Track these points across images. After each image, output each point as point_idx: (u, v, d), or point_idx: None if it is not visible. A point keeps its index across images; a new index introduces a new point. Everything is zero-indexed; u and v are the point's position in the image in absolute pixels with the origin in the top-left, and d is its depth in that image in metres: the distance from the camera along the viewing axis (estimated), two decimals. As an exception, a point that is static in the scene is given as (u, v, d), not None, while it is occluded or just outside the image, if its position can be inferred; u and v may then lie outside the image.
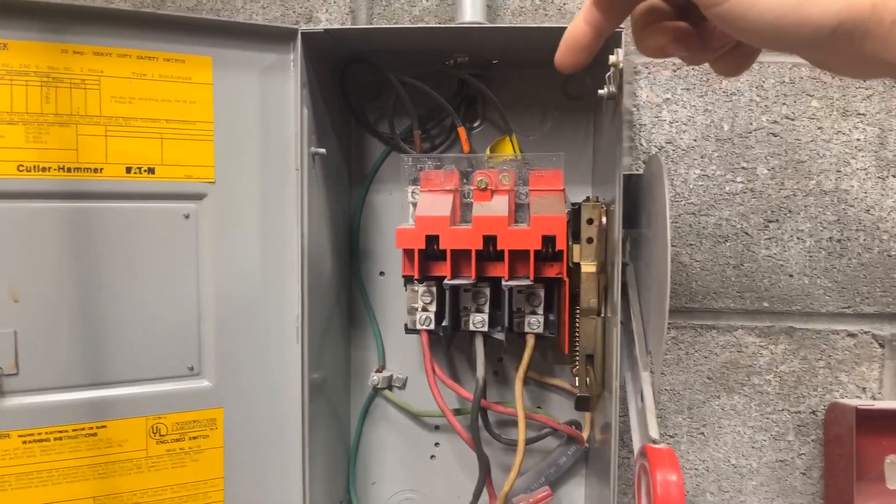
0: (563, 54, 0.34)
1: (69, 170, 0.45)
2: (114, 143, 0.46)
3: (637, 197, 0.52)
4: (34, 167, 0.45)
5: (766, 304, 0.59)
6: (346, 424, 0.62)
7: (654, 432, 0.44)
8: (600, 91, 0.47)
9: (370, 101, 0.60)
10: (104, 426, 0.47)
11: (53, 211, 0.46)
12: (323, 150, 0.51)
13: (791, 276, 0.58)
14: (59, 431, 0.46)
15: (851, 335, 0.59)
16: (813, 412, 0.59)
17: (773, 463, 0.60)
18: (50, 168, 0.45)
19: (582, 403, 0.49)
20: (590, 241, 0.50)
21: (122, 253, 0.47)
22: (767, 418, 0.60)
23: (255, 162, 0.50)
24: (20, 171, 0.44)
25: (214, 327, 0.50)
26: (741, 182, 0.58)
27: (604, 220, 0.48)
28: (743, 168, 0.58)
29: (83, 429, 0.47)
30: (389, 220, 0.61)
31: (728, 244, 0.58)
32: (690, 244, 0.59)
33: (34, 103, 0.45)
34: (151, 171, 0.47)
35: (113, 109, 0.46)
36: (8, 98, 0.44)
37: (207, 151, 0.48)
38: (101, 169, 0.46)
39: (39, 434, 0.46)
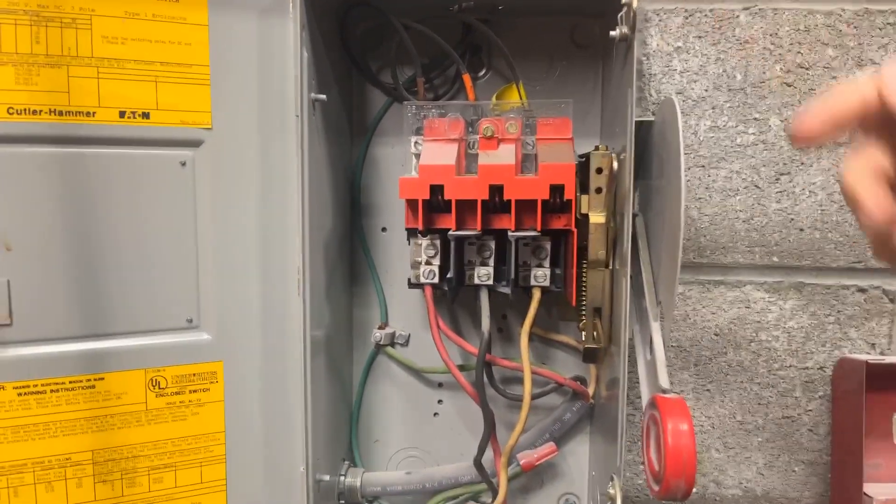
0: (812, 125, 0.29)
1: (61, 113, 0.44)
2: (106, 86, 0.44)
3: (647, 146, 0.51)
4: (25, 110, 0.43)
5: (775, 259, 0.58)
6: (349, 382, 0.61)
7: (664, 382, 0.43)
8: (612, 32, 0.45)
9: (372, 50, 0.58)
10: (102, 378, 0.46)
11: (46, 156, 0.44)
12: (324, 97, 0.49)
13: (802, 230, 0.57)
14: (56, 383, 0.45)
15: (861, 290, 0.58)
16: (821, 368, 0.58)
17: (779, 419, 0.59)
18: (41, 111, 0.43)
19: (590, 355, 0.49)
20: (598, 191, 0.48)
21: (117, 201, 0.46)
22: (774, 374, 0.59)
23: (254, 108, 0.48)
24: (10, 113, 0.43)
25: (213, 279, 0.48)
26: (753, 134, 0.57)
27: (615, 166, 0.47)
28: (755, 119, 0.56)
29: (80, 381, 0.46)
30: (391, 174, 0.59)
31: (738, 198, 0.57)
32: (699, 198, 0.57)
33: (24, 43, 0.43)
34: (146, 115, 0.45)
35: (105, 50, 0.44)
36: (-5, 37, 0.42)
37: (204, 96, 0.47)
38: (94, 113, 0.44)
39: (35, 386, 0.45)
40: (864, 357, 0.55)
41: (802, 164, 0.57)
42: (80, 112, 0.44)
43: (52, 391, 0.45)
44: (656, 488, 0.41)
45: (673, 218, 0.43)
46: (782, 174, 0.57)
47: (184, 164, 0.47)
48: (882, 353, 0.58)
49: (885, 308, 0.58)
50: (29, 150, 0.44)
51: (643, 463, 0.61)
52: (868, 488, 0.56)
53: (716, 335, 0.59)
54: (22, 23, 0.43)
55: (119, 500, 0.47)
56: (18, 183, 0.44)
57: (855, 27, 0.56)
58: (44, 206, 0.44)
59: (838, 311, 0.58)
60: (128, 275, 0.46)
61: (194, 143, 0.47)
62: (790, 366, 0.59)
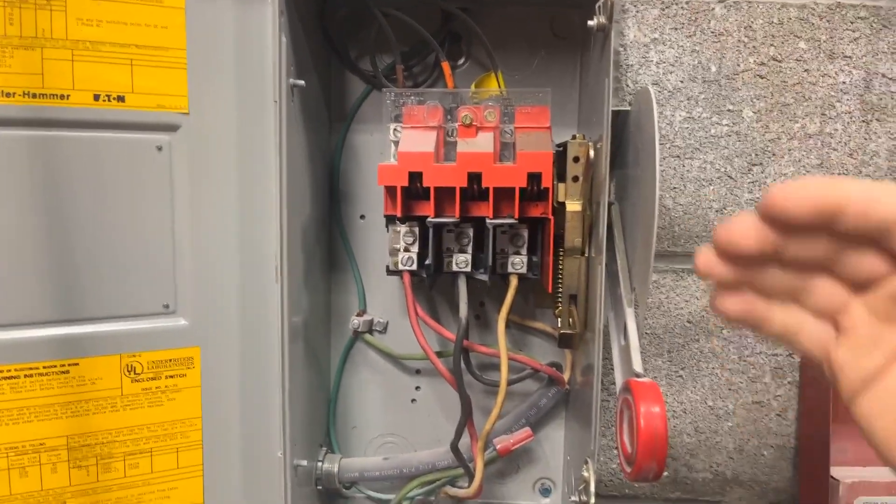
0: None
1: (34, 96, 0.43)
2: (81, 69, 0.44)
3: (623, 136, 0.51)
4: (-3, 92, 0.42)
5: (747, 249, 0.59)
6: (327, 368, 0.61)
7: (637, 366, 0.44)
8: (590, 22, 0.46)
9: (351, 37, 0.58)
10: (76, 363, 0.46)
11: (19, 139, 0.43)
12: (302, 82, 0.49)
13: (773, 219, 0.58)
14: (30, 368, 0.45)
15: (830, 279, 0.59)
16: (790, 355, 0.60)
17: (748, 405, 0.61)
18: (14, 93, 0.43)
19: (566, 340, 0.49)
20: (575, 179, 0.49)
21: (93, 185, 0.45)
22: (745, 361, 0.60)
23: (231, 93, 0.48)
24: (-18, 95, 0.42)
25: (190, 265, 0.48)
26: (727, 125, 0.58)
27: (592, 154, 0.47)
28: (729, 111, 0.57)
29: (55, 366, 0.45)
30: (370, 162, 0.60)
31: (711, 187, 0.58)
32: (674, 188, 0.58)
33: (-5, 24, 0.42)
34: (121, 98, 0.45)
35: (80, 32, 0.44)
36: (-34, 17, 0.41)
37: (180, 80, 0.46)
38: (68, 95, 0.44)
39: (9, 371, 0.44)
40: (831, 344, 0.56)
41: (774, 154, 0.58)
42: (54, 95, 0.44)
43: (25, 376, 0.45)
44: (629, 470, 0.42)
45: (648, 207, 0.44)
46: (754, 165, 0.58)
47: (160, 148, 0.47)
48: (848, 341, 0.60)
49: (852, 296, 0.59)
50: (2, 132, 0.43)
51: (616, 447, 0.62)
52: (835, 472, 0.58)
53: (688, 322, 0.60)
54: (-6, 3, 0.42)
55: (94, 486, 0.47)
56: (-9, 166, 0.43)
57: (827, 21, 0.57)
58: (17, 189, 0.44)
59: (807, 300, 0.59)
60: (103, 259, 0.46)
61: (171, 128, 0.47)
62: (760, 353, 0.60)
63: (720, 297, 0.28)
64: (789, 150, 0.58)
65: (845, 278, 0.26)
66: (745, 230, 0.26)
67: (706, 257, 0.27)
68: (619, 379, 0.48)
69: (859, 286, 0.26)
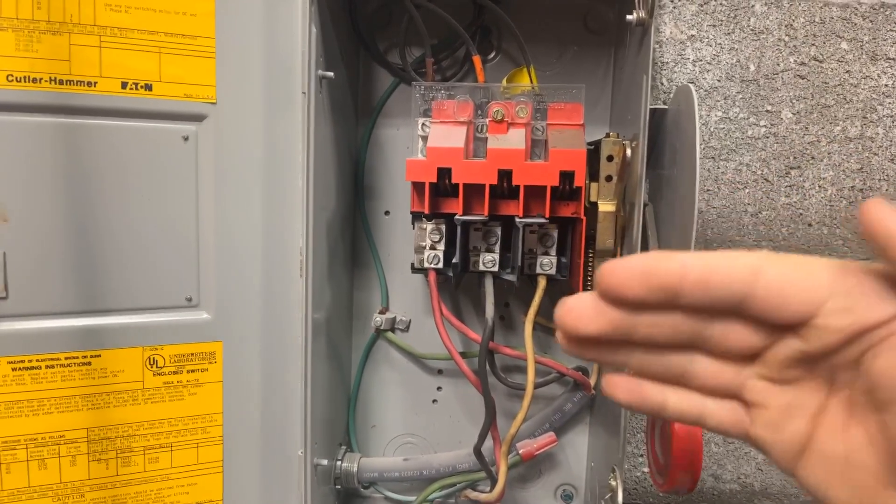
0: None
1: (61, 82, 0.42)
2: (108, 55, 0.43)
3: (659, 135, 0.50)
4: (24, 77, 0.42)
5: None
6: (348, 366, 0.60)
7: (672, 374, 0.43)
8: (628, 17, 0.44)
9: (380, 29, 0.57)
10: (98, 355, 0.45)
11: (45, 126, 0.43)
12: (331, 74, 0.48)
13: (810, 224, 0.57)
14: (52, 359, 0.44)
15: (868, 287, 0.57)
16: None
17: (780, 415, 0.59)
18: (41, 79, 0.42)
19: (596, 345, 0.48)
20: (609, 179, 0.48)
21: (118, 174, 0.45)
22: (777, 370, 0.58)
23: (259, 83, 0.47)
24: (10, 81, 0.41)
25: (214, 258, 0.47)
26: (764, 126, 0.56)
27: (628, 153, 0.46)
28: (767, 111, 0.56)
29: (76, 357, 0.45)
30: (397, 157, 0.59)
31: (747, 191, 0.57)
32: (708, 190, 0.57)
33: (25, 9, 0.41)
34: (148, 87, 0.44)
35: (108, 18, 0.43)
36: (-5, 2, 0.41)
37: (209, 69, 0.45)
38: (95, 83, 0.43)
39: (30, 361, 0.44)
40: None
41: (813, 158, 0.56)
42: (81, 81, 0.43)
43: (47, 367, 0.44)
44: (661, 481, 0.40)
45: (685, 209, 0.43)
46: (792, 168, 0.56)
47: (186, 138, 0.46)
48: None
49: (890, 306, 0.57)
50: (28, 119, 0.42)
51: (643, 455, 0.61)
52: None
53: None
54: (23, -13, 0.41)
55: (114, 480, 0.46)
56: (17, 153, 0.42)
57: (870, 21, 0.55)
58: (42, 177, 0.43)
59: (843, 308, 0.58)
60: (127, 250, 0.45)
61: (198, 118, 0.46)
62: (793, 361, 0.58)
63: (607, 380, 0.25)
64: (829, 153, 0.56)
65: (723, 354, 0.23)
66: (583, 312, 0.23)
67: (562, 339, 0.24)
68: (649, 385, 0.47)
69: (743, 358, 0.23)
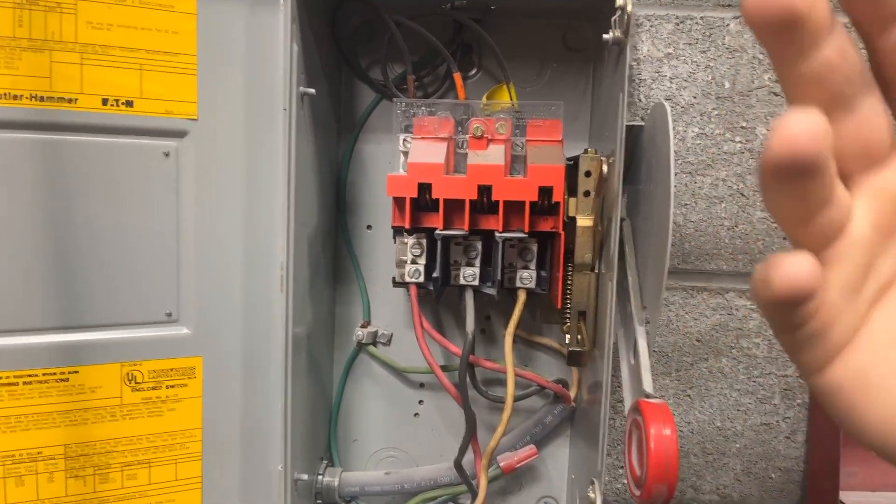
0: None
1: (42, 99, 0.43)
2: (90, 72, 0.43)
3: (636, 151, 0.51)
4: (5, 94, 0.42)
5: (758, 267, 0.58)
6: (329, 380, 0.60)
7: (648, 386, 0.43)
8: (605, 36, 0.45)
9: (362, 45, 0.57)
10: (76, 371, 0.45)
11: (25, 142, 0.43)
12: (312, 91, 0.48)
13: (785, 238, 0.58)
14: (29, 375, 0.44)
15: (842, 300, 0.58)
16: (800, 376, 0.59)
17: (757, 426, 0.60)
18: (22, 96, 0.42)
19: (574, 358, 0.48)
20: (587, 194, 0.48)
21: (98, 190, 0.45)
22: (754, 381, 0.59)
23: (241, 100, 0.47)
24: (-12, 97, 0.42)
25: (194, 273, 0.48)
26: (740, 142, 0.57)
27: (605, 169, 0.47)
28: (742, 128, 0.57)
29: (54, 373, 0.45)
30: (378, 172, 0.59)
31: (723, 205, 0.58)
32: (685, 204, 0.58)
33: (5, 26, 0.42)
34: (129, 104, 0.44)
35: (89, 36, 0.43)
36: (-25, 18, 0.41)
37: (190, 86, 0.46)
38: (76, 99, 0.43)
39: (7, 378, 0.44)
40: (842, 366, 0.55)
41: (787, 173, 0.57)
42: (61, 98, 0.43)
43: (24, 383, 0.44)
44: (637, 493, 0.41)
45: (661, 223, 0.43)
46: (767, 183, 0.57)
47: (167, 154, 0.46)
48: (860, 363, 0.59)
49: (864, 318, 0.58)
50: (8, 135, 0.42)
51: (623, 468, 0.61)
52: (844, 496, 0.57)
53: (697, 341, 0.59)
54: (5, 5, 0.41)
55: (91, 497, 0.46)
56: (-5, 168, 0.42)
57: (842, 40, 0.56)
58: (21, 192, 0.43)
59: (818, 321, 0.58)
60: (106, 266, 0.45)
61: (179, 134, 0.46)
62: (770, 373, 0.59)
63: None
64: (802, 168, 0.57)
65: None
66: None
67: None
68: (627, 398, 0.47)
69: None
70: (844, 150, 0.20)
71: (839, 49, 0.19)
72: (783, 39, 0.19)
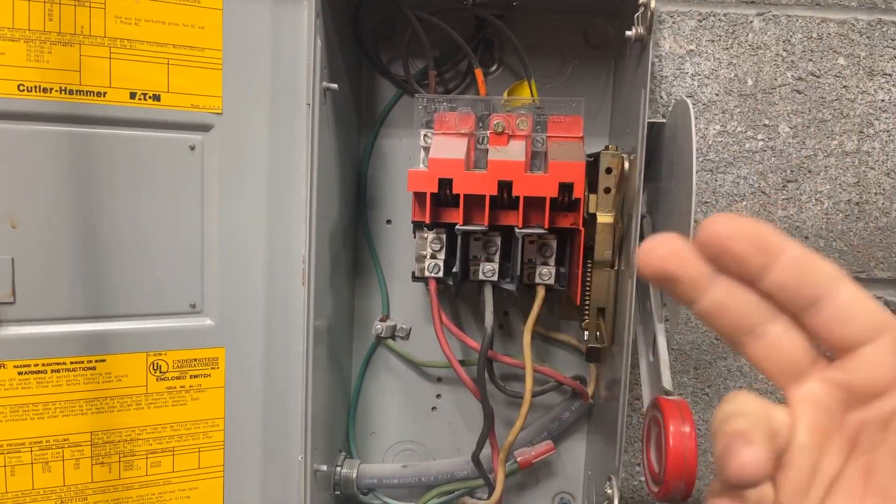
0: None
1: (71, 92, 0.43)
2: (118, 66, 0.44)
3: (657, 148, 0.51)
4: (35, 87, 0.43)
5: (779, 266, 0.58)
6: (348, 373, 0.61)
7: (667, 384, 0.43)
8: (627, 33, 0.45)
9: (383, 41, 0.57)
10: (103, 360, 0.46)
11: (55, 134, 0.44)
12: (335, 86, 0.49)
13: (807, 237, 0.57)
14: (57, 364, 0.45)
15: (864, 300, 0.58)
16: None
17: (776, 426, 0.59)
18: (51, 89, 0.43)
19: (594, 354, 0.49)
20: (607, 191, 0.48)
21: (125, 182, 0.45)
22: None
23: (265, 95, 0.48)
24: (21, 90, 0.42)
25: (218, 265, 0.48)
26: (762, 140, 0.57)
27: (626, 166, 0.47)
28: (765, 125, 0.56)
29: (81, 362, 0.46)
30: (398, 167, 0.59)
31: (744, 203, 0.57)
32: (706, 202, 0.57)
33: (37, 20, 0.42)
34: (157, 97, 0.45)
35: (118, 31, 0.44)
36: (9, 13, 0.42)
37: (215, 80, 0.46)
38: (105, 93, 0.44)
39: (36, 365, 0.45)
40: (863, 366, 0.55)
41: (810, 171, 0.57)
42: (90, 92, 0.44)
43: (52, 371, 0.45)
44: (655, 489, 0.41)
45: (682, 220, 0.43)
46: (789, 181, 0.57)
47: (193, 148, 0.47)
48: (881, 364, 0.58)
49: (885, 318, 0.58)
50: (38, 128, 0.43)
51: (640, 464, 0.61)
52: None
53: (716, 339, 0.59)
54: (35, -1, 0.42)
55: (116, 483, 0.47)
56: (26, 160, 0.43)
57: (867, 37, 0.56)
58: (51, 184, 0.44)
59: (839, 320, 0.58)
60: (132, 257, 0.46)
61: (204, 128, 0.47)
62: (789, 373, 0.59)
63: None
64: (825, 167, 0.57)
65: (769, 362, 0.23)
66: (668, 254, 0.22)
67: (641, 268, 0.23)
68: (646, 395, 0.47)
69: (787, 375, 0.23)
70: (765, 368, 0.23)
71: (725, 293, 0.22)
72: (671, 289, 0.23)
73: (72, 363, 0.45)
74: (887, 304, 0.58)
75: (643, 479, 0.61)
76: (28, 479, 0.45)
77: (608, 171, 0.48)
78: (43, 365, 0.45)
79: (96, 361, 0.46)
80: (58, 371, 0.45)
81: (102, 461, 0.47)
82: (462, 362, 0.54)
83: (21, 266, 0.44)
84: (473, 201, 0.48)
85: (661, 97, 0.57)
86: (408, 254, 0.59)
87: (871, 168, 0.56)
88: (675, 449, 0.39)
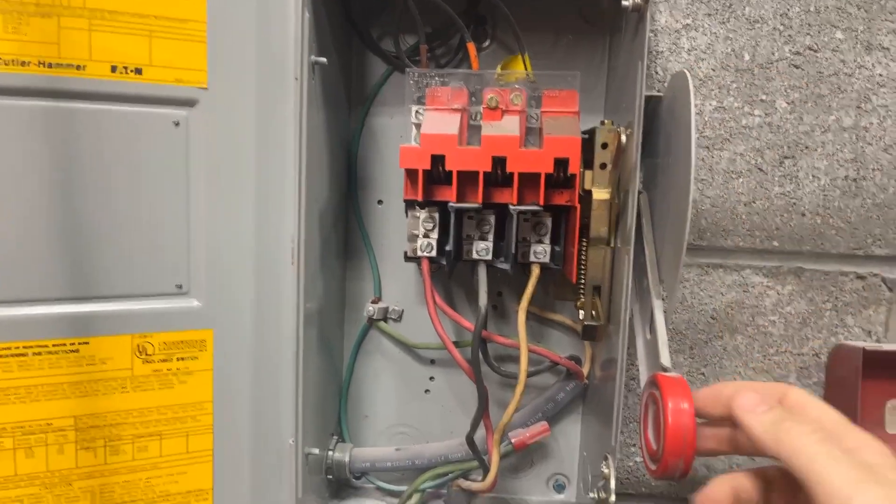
0: None
1: (50, 65, 0.42)
2: (98, 39, 0.43)
3: (654, 123, 0.50)
4: (12, 61, 0.41)
5: (775, 244, 0.57)
6: (339, 356, 0.60)
7: (665, 360, 0.42)
8: (624, 2, 0.44)
9: (373, 17, 0.56)
10: (87, 342, 0.45)
11: (34, 109, 0.42)
12: (324, 60, 0.48)
13: (804, 214, 0.56)
14: (39, 346, 0.44)
15: (860, 277, 0.57)
16: (816, 354, 0.58)
17: (772, 405, 0.59)
18: (29, 63, 0.42)
19: (590, 332, 0.48)
20: (603, 166, 0.47)
21: (107, 159, 0.44)
22: (770, 360, 0.58)
23: (252, 69, 0.46)
24: (-4, 63, 0.41)
25: (205, 245, 0.47)
26: (759, 115, 0.56)
27: (623, 140, 0.46)
28: (762, 101, 0.56)
29: (64, 344, 0.44)
30: (389, 146, 0.58)
31: (741, 180, 0.56)
32: (702, 179, 0.57)
33: (11, -10, 0.41)
34: (138, 71, 0.44)
35: (97, 1, 0.42)
36: (-18, -18, 0.40)
37: (200, 54, 0.45)
38: (85, 66, 0.43)
39: (17, 348, 0.43)
40: (861, 344, 0.55)
41: (807, 147, 0.56)
42: (70, 65, 0.42)
43: (34, 354, 0.44)
44: (653, 467, 0.40)
45: (681, 196, 0.42)
46: (786, 158, 0.56)
47: (177, 123, 0.45)
48: (878, 342, 0.58)
49: (882, 296, 0.57)
50: (15, 102, 0.42)
51: (635, 445, 0.61)
52: (858, 475, 0.56)
53: (712, 318, 0.58)
54: (11, -32, 0.41)
55: (102, 468, 0.46)
56: (4, 136, 0.42)
57: (865, 11, 0.55)
58: (30, 161, 0.42)
59: (836, 298, 0.58)
60: (116, 236, 0.45)
61: (189, 103, 0.45)
62: (786, 351, 0.58)
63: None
64: (823, 143, 0.56)
65: None
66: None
67: None
68: (643, 373, 0.47)
69: None
70: None
71: None
72: None
73: (54, 346, 0.44)
74: (885, 280, 0.57)
75: (638, 459, 0.61)
76: (11, 465, 0.44)
77: (604, 146, 0.47)
78: (24, 347, 0.43)
79: (79, 344, 0.45)
80: (39, 354, 0.44)
81: (87, 446, 0.45)
82: (455, 343, 0.53)
83: (0, 246, 0.42)
84: (467, 178, 0.47)
85: (657, 72, 0.56)
86: (400, 234, 0.58)
87: (869, 144, 0.56)
88: (673, 425, 0.38)
